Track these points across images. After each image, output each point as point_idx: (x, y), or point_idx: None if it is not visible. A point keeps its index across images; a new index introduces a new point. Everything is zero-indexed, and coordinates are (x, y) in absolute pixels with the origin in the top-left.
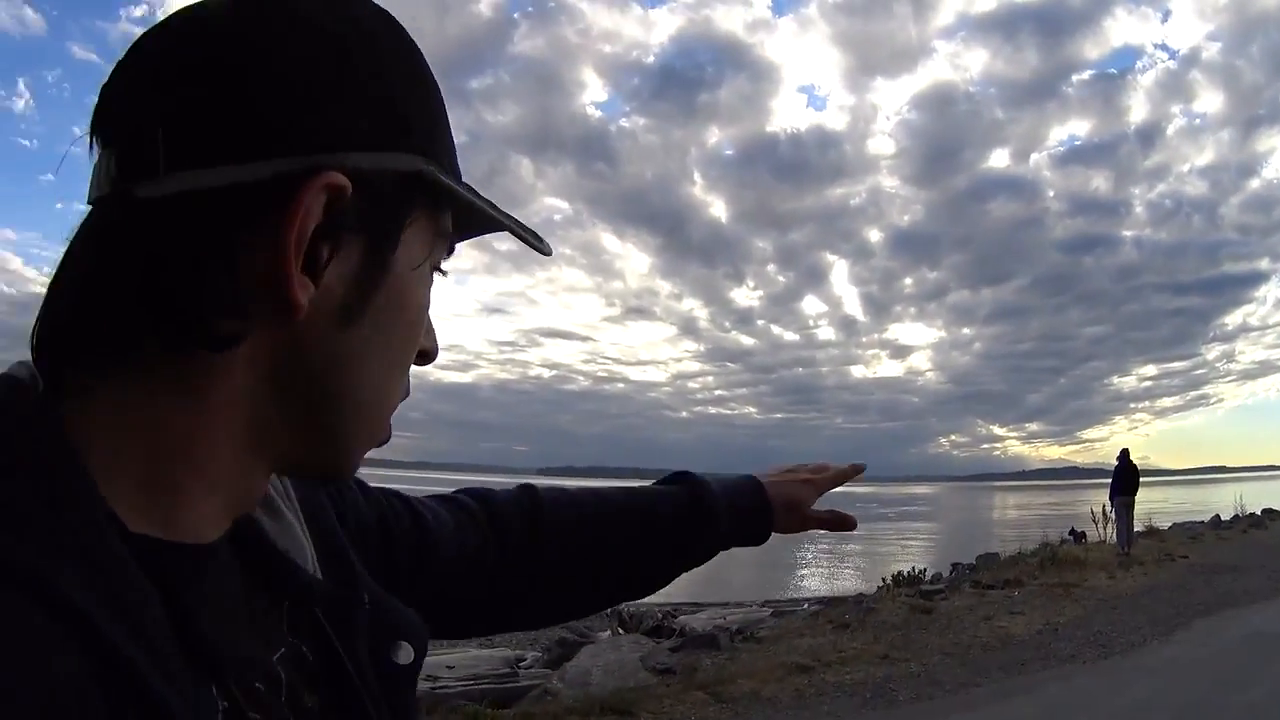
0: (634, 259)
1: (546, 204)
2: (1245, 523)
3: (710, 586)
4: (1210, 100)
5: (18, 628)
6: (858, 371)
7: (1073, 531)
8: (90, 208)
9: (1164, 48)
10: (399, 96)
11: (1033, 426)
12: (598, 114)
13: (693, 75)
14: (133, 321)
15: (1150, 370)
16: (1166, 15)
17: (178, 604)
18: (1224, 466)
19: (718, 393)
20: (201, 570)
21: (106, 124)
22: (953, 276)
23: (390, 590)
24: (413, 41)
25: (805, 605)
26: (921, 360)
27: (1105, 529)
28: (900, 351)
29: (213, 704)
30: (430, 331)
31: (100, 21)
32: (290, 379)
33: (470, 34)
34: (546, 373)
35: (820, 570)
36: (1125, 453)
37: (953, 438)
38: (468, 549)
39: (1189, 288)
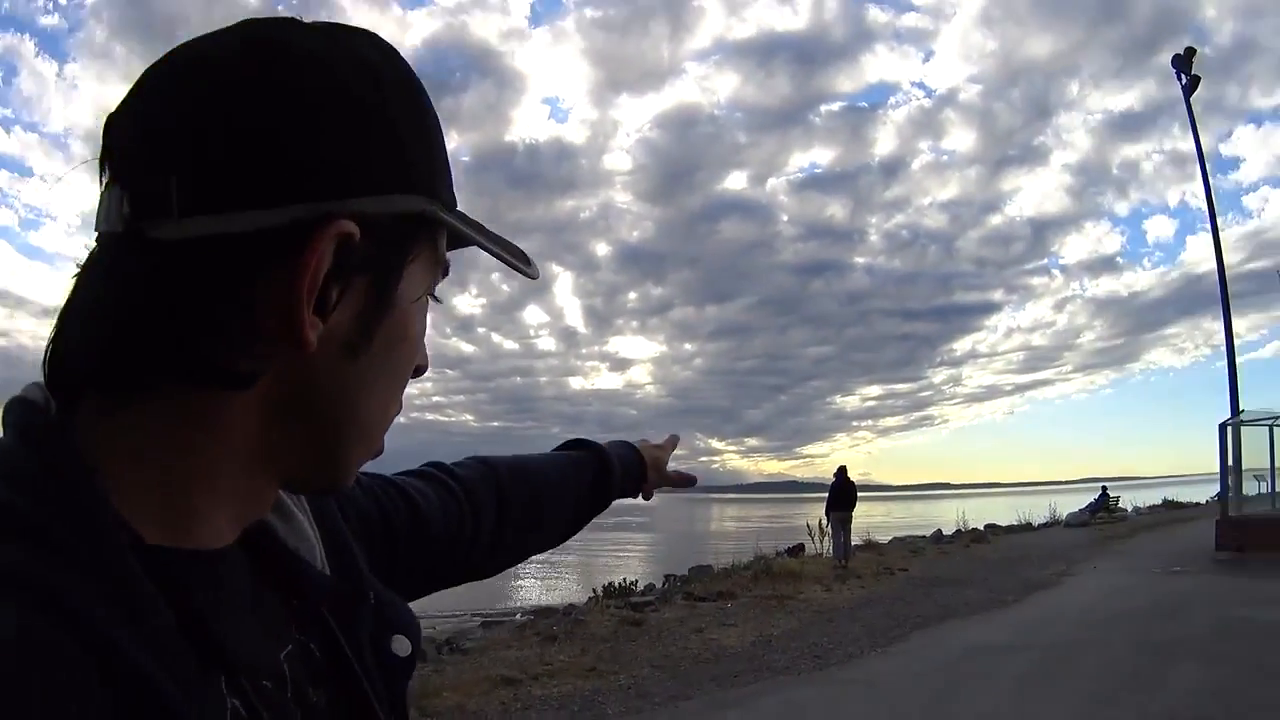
0: None
1: None
2: (967, 537)
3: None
4: (961, 139)
5: (26, 638)
6: (576, 382)
7: (791, 549)
8: (98, 238)
9: (921, 86)
10: (404, 138)
11: (752, 441)
12: None
13: (441, 79)
14: (149, 358)
15: (874, 390)
16: (929, 56)
17: (189, 607)
18: (947, 484)
19: (435, 399)
20: (213, 574)
21: (117, 159)
22: (678, 293)
23: (389, 576)
24: (413, 76)
25: (516, 616)
26: (641, 374)
27: (822, 542)
28: (620, 364)
29: (221, 701)
30: (423, 349)
31: None
32: (300, 408)
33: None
34: None
35: (534, 581)
36: (842, 469)
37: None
38: (451, 528)
39: (919, 314)
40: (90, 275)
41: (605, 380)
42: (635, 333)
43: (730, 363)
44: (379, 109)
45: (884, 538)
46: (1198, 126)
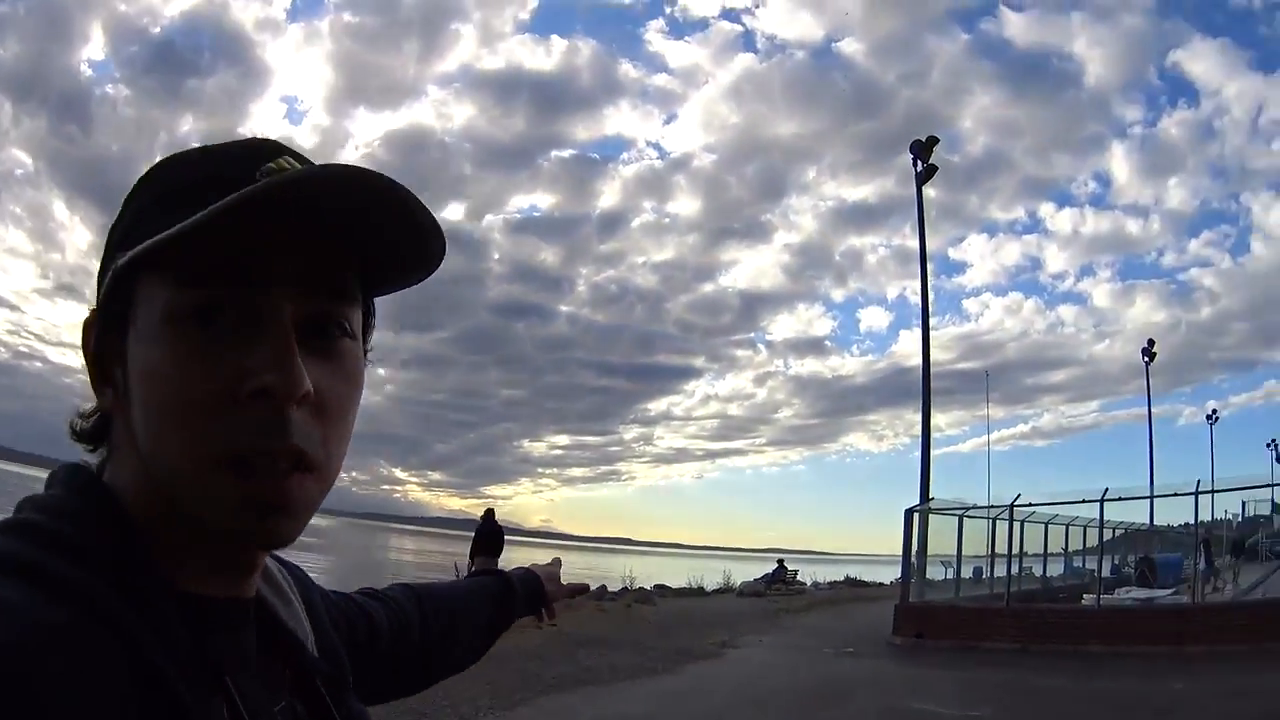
0: (78, 233)
1: (11, 155)
2: (631, 596)
3: None
4: (687, 204)
5: (74, 630)
6: None
7: None
8: None
9: (657, 147)
10: (116, 229)
11: (436, 475)
12: (89, 73)
13: (189, 58)
14: (96, 424)
15: (563, 439)
16: (672, 119)
17: (204, 640)
18: (630, 539)
19: None
20: (225, 620)
21: None
22: (378, 316)
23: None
24: (155, 165)
25: None
26: None
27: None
28: None
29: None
30: (262, 369)
31: None
32: (132, 452)
33: None
34: None
35: None
36: (490, 512)
37: (354, 474)
38: (396, 644)
39: (617, 370)
40: None
41: None
42: None
43: (422, 393)
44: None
45: None
46: (926, 224)
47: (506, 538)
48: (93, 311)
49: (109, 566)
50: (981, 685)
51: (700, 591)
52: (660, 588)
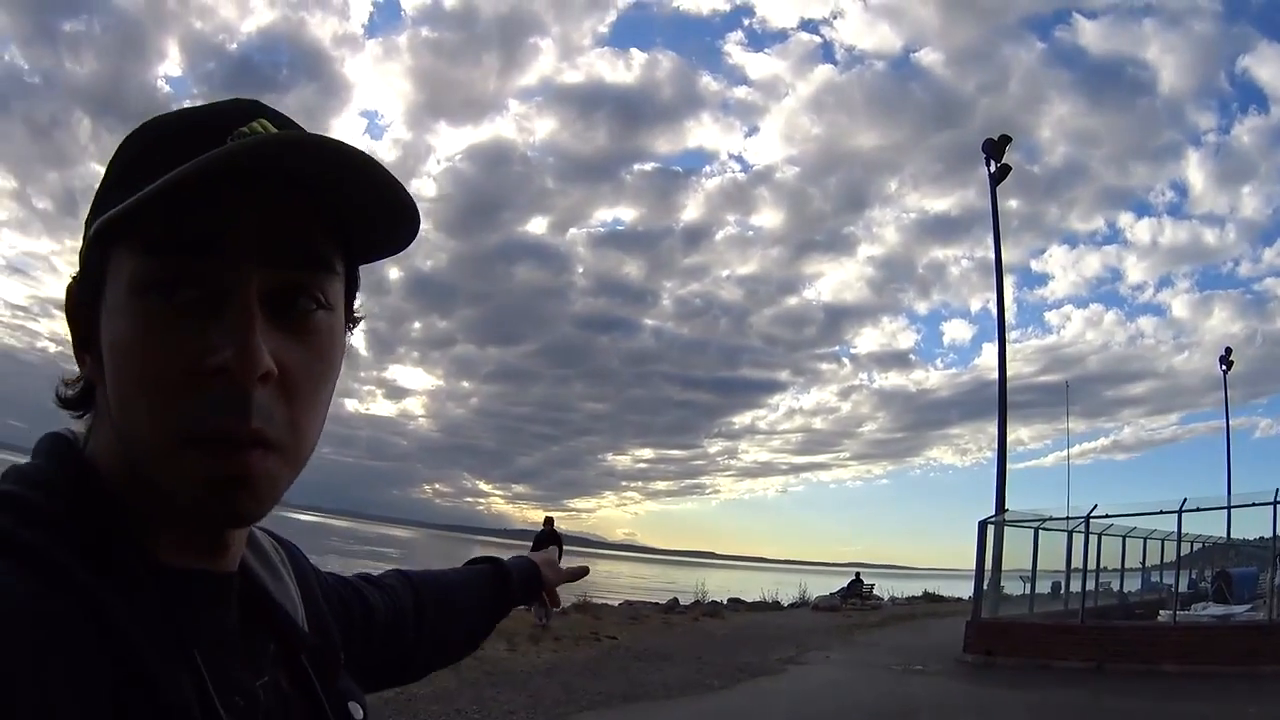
0: None
1: (92, 170)
2: (699, 610)
3: None
4: (770, 217)
5: (39, 601)
6: (351, 404)
7: None
8: None
9: (739, 159)
10: (100, 196)
11: (519, 488)
12: (167, 89)
13: (267, 73)
14: (80, 393)
15: (647, 453)
16: (753, 131)
17: (175, 612)
18: (712, 553)
19: None
20: (193, 590)
21: None
22: (463, 329)
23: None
24: (125, 138)
25: None
26: (416, 405)
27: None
28: (397, 393)
29: (188, 697)
30: (220, 347)
31: None
32: (109, 422)
33: None
34: (53, 347)
35: None
36: (549, 521)
37: (437, 486)
38: (391, 630)
39: (701, 383)
40: None
41: (380, 406)
42: (415, 363)
43: (505, 406)
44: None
45: (616, 600)
46: (1001, 228)
47: (589, 550)
48: (74, 277)
49: (81, 537)
50: (1049, 708)
51: (775, 605)
52: (734, 601)
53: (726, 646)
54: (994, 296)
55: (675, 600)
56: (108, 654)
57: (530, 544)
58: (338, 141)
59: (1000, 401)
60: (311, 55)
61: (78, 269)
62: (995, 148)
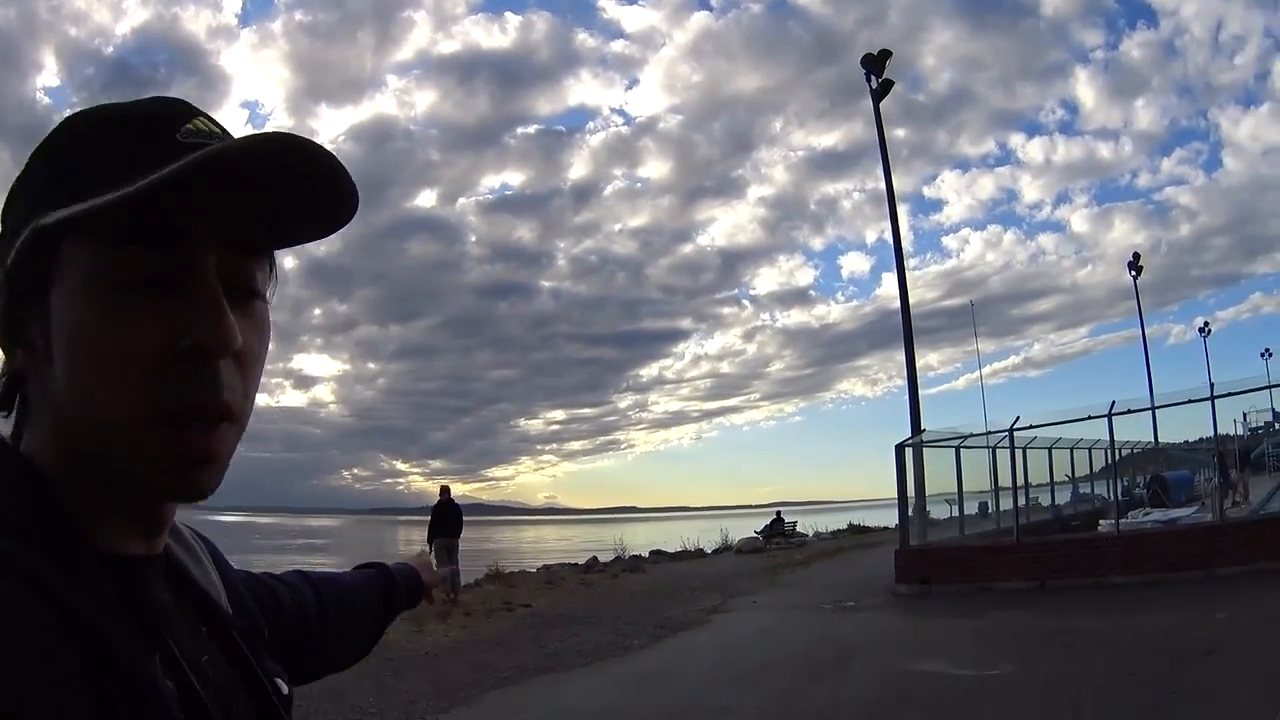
0: None
1: None
2: (620, 566)
3: None
4: (657, 167)
5: (3, 598)
6: (260, 399)
7: None
8: None
9: (621, 113)
10: (30, 183)
11: (436, 463)
12: (46, 101)
13: (145, 73)
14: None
15: (559, 415)
16: (633, 84)
17: (134, 594)
18: (635, 507)
19: None
20: (138, 578)
21: None
22: (363, 311)
23: None
24: (58, 126)
25: None
26: (325, 392)
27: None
28: (305, 382)
29: (157, 676)
30: (195, 325)
31: None
32: (57, 417)
33: None
34: None
35: None
36: (445, 490)
37: (355, 471)
38: (297, 628)
39: (604, 339)
40: None
41: (290, 398)
42: (319, 350)
43: (413, 383)
44: (25, 170)
45: (536, 565)
46: (891, 161)
47: (511, 519)
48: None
49: (33, 532)
50: (998, 634)
51: (699, 554)
52: (656, 554)
53: (648, 602)
54: (889, 226)
55: (594, 559)
56: (79, 646)
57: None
58: (314, 143)
59: (905, 324)
60: (187, 51)
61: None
62: (875, 62)
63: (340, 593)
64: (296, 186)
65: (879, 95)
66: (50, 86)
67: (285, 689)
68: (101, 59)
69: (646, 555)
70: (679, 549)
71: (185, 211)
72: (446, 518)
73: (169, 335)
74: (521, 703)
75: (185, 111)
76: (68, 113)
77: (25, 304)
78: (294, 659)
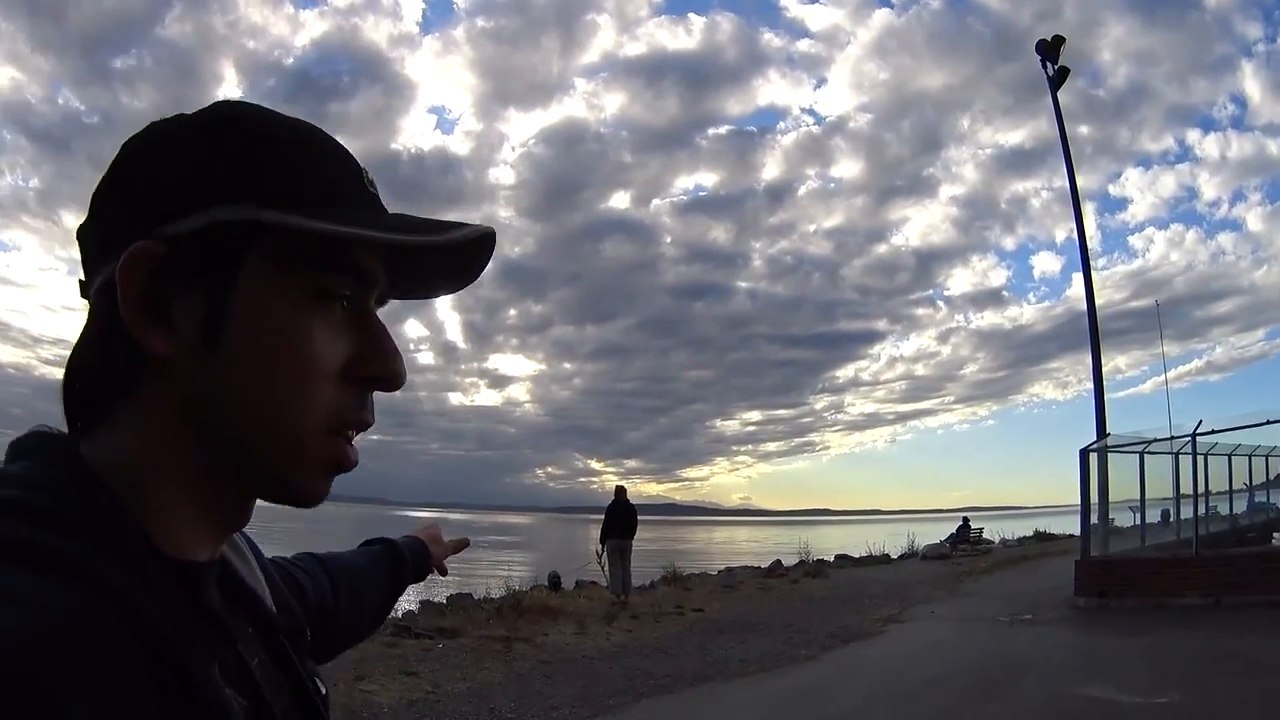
0: None
1: None
2: (802, 571)
3: None
4: (849, 167)
5: (80, 613)
6: (455, 398)
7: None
8: None
9: (811, 112)
10: (206, 166)
11: (632, 463)
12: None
13: (328, 83)
14: (90, 382)
15: (755, 415)
16: (821, 83)
17: (200, 603)
18: (828, 510)
19: None
20: (200, 583)
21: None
22: (558, 311)
23: None
24: (226, 115)
25: None
26: (520, 392)
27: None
28: (499, 381)
29: (221, 688)
30: (375, 355)
31: None
32: (191, 409)
33: (125, 10)
34: None
35: None
36: (621, 490)
37: (549, 469)
38: (317, 612)
39: (801, 340)
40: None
41: (485, 397)
42: (515, 350)
43: (610, 383)
44: (174, 150)
45: (719, 567)
46: (1075, 159)
47: (705, 519)
48: (150, 241)
49: (96, 537)
50: (1169, 656)
51: (884, 559)
52: (841, 558)
53: (824, 609)
54: (1075, 223)
55: (778, 563)
56: (143, 654)
57: (599, 521)
58: (492, 234)
59: (1091, 326)
60: (370, 59)
61: (148, 234)
62: (1050, 49)
63: (351, 574)
64: (458, 262)
65: (1056, 82)
66: (232, 97)
67: (324, 689)
68: (282, 70)
69: (831, 560)
70: (865, 554)
71: (377, 258)
72: (620, 518)
73: (353, 361)
74: (670, 715)
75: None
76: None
77: (185, 285)
78: (316, 646)
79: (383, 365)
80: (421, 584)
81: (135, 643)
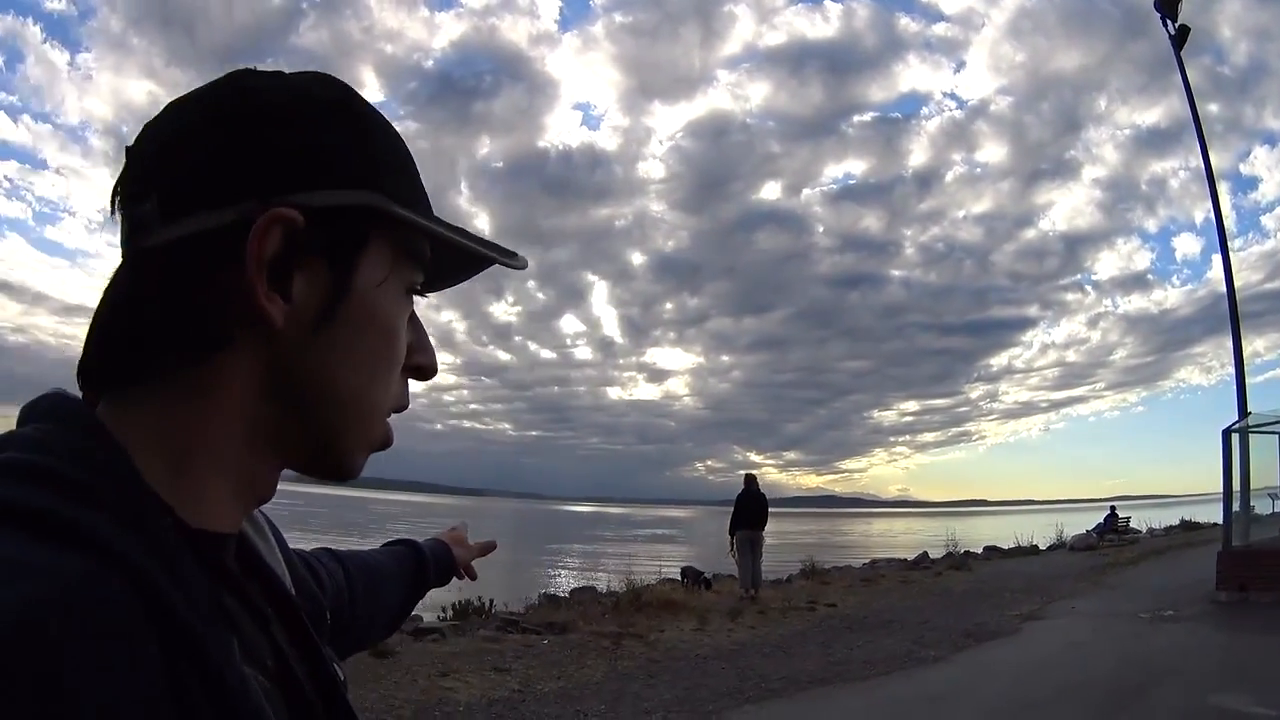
0: None
1: None
2: (946, 563)
3: None
4: (994, 151)
5: (89, 582)
6: (614, 393)
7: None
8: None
9: (953, 97)
10: (345, 148)
11: (791, 455)
12: None
13: (470, 83)
14: (145, 344)
15: (912, 405)
16: (960, 66)
17: (222, 572)
18: (984, 500)
19: (473, 407)
20: (221, 553)
21: (119, 194)
22: (714, 304)
23: None
24: (358, 103)
25: None
26: (679, 385)
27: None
28: (658, 375)
29: (239, 665)
30: (425, 348)
31: None
32: (279, 381)
33: (258, 19)
34: None
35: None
36: (750, 479)
37: (708, 463)
38: (335, 605)
39: (955, 328)
40: (105, 291)
41: (643, 391)
42: (672, 344)
43: (768, 375)
44: (312, 123)
45: (864, 560)
46: (1206, 137)
47: (862, 511)
48: (294, 208)
49: (115, 505)
50: None
51: (1032, 550)
52: (990, 549)
53: (963, 604)
54: (1211, 203)
55: (924, 555)
56: (157, 628)
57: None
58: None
59: (1230, 303)
60: (511, 58)
61: (287, 206)
62: (1168, 5)
63: (369, 573)
64: (460, 278)
65: (1178, 41)
66: (374, 101)
67: (341, 674)
68: (423, 73)
69: (980, 551)
70: (1013, 545)
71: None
72: (750, 508)
73: (412, 351)
74: (775, 717)
75: None
76: (397, 128)
77: (310, 259)
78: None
79: (428, 356)
80: (444, 587)
81: (147, 618)
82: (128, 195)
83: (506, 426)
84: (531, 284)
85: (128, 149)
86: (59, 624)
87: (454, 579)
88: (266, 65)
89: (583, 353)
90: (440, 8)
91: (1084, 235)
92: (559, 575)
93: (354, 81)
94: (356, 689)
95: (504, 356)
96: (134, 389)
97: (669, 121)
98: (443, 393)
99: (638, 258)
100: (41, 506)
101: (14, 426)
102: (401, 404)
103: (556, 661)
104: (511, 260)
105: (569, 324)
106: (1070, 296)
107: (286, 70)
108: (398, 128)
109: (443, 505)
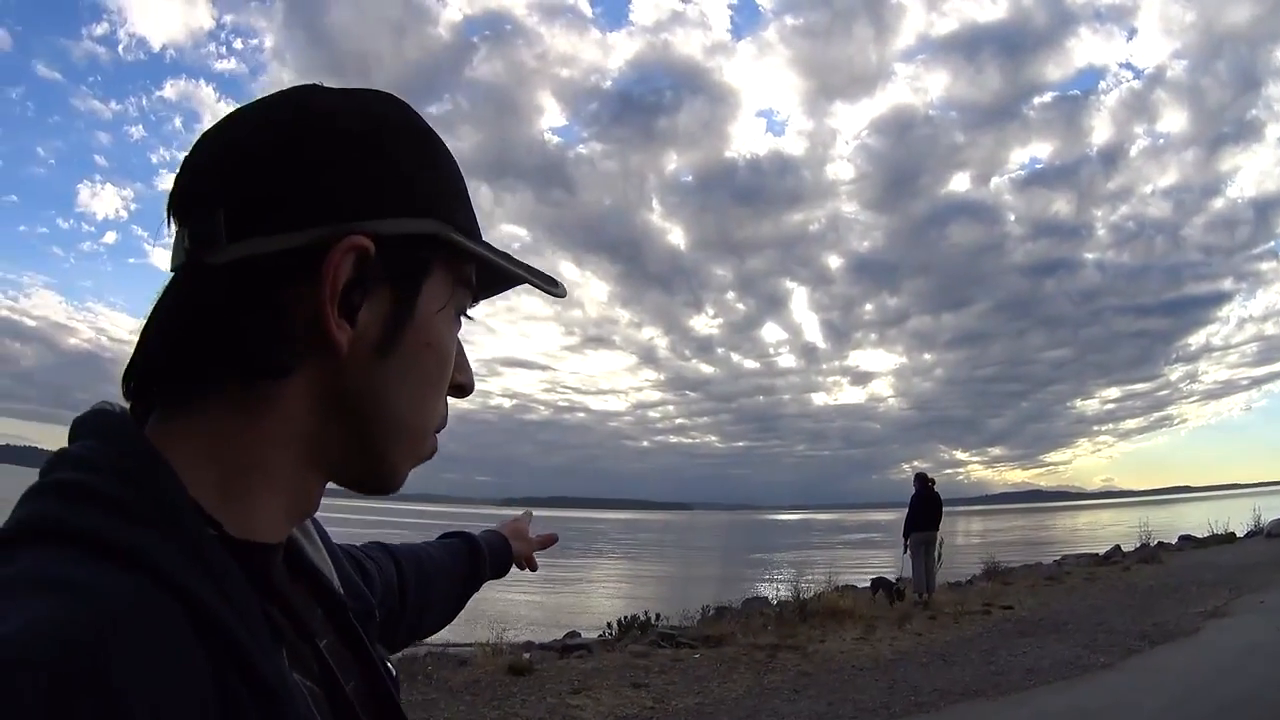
0: (593, 287)
1: (505, 231)
2: (1134, 557)
3: None
4: (1174, 120)
5: (140, 601)
6: (819, 399)
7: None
8: (173, 273)
9: (1129, 67)
10: (411, 173)
11: (995, 450)
12: (556, 140)
13: (651, 100)
14: (204, 360)
15: (1113, 392)
16: (1132, 34)
17: (268, 585)
18: (1188, 486)
19: (679, 421)
20: (269, 565)
21: (180, 205)
22: (913, 302)
23: None
24: (420, 121)
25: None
26: (883, 387)
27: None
28: (861, 378)
29: (286, 672)
30: (465, 367)
31: (64, 40)
32: (339, 403)
33: (430, 57)
34: (507, 402)
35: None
36: (922, 477)
37: (915, 463)
38: (382, 601)
39: (1151, 309)
40: (162, 299)
41: (847, 395)
42: (874, 345)
43: (970, 371)
44: (384, 149)
45: (1055, 555)
46: None
47: (1067, 505)
48: (366, 235)
49: (162, 523)
50: None
51: (1228, 538)
52: (1184, 539)
53: (1145, 602)
54: None
55: (1116, 548)
56: (204, 645)
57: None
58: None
59: None
60: (689, 72)
61: (351, 230)
62: None
63: (421, 566)
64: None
65: None
66: (556, 126)
67: (394, 671)
68: (603, 94)
69: (1174, 542)
70: (1207, 533)
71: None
72: (925, 509)
73: (456, 372)
74: None
75: None
76: (580, 149)
77: (377, 286)
78: (382, 635)
79: (467, 376)
80: (502, 579)
81: (195, 633)
82: (189, 208)
83: (713, 439)
84: (730, 294)
85: (186, 159)
86: (109, 641)
87: (513, 568)
88: (440, 104)
89: (786, 360)
90: (611, 28)
91: (1274, 199)
92: (755, 586)
93: (535, 109)
94: (484, 706)
95: (707, 369)
96: (187, 404)
97: (852, 120)
98: (647, 409)
99: (834, 261)
100: (89, 526)
101: (67, 441)
102: (445, 420)
103: (701, 676)
104: (552, 288)
105: (770, 332)
106: (1265, 266)
107: (352, 87)
108: (583, 150)
109: (651, 520)
